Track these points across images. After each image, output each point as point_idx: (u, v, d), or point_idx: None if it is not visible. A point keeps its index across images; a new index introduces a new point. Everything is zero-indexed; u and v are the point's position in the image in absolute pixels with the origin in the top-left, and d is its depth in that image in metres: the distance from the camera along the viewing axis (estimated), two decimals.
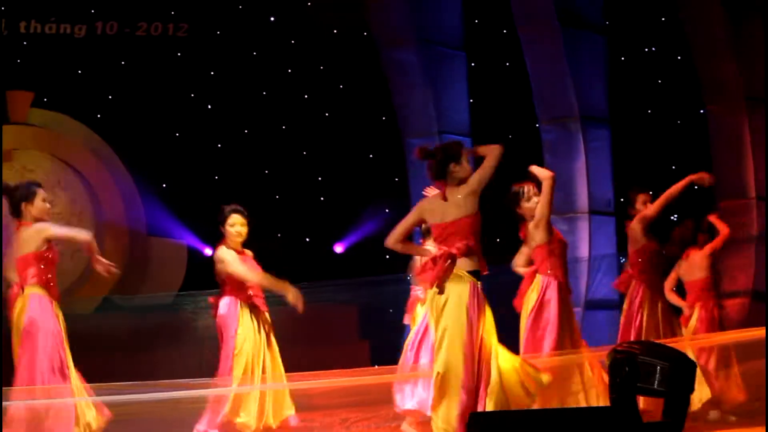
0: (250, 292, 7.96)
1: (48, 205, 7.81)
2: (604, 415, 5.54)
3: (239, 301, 7.88)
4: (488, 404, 6.92)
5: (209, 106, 13.41)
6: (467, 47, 13.37)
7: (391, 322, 9.95)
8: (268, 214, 11.12)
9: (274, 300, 8.65)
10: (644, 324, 9.01)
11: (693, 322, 9.44)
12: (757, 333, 9.18)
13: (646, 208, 9.16)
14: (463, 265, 6.55)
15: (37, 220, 7.71)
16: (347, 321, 11.84)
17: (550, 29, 12.54)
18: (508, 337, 7.89)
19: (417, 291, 9.09)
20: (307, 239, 10.76)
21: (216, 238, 7.89)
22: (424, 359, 8.64)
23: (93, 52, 13.11)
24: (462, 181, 6.74)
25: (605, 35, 12.62)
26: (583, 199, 12.38)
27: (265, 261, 9.54)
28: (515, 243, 8.36)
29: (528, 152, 12.88)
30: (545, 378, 7.18)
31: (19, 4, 12.86)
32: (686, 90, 12.30)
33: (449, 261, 6.56)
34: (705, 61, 12.08)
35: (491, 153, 7.04)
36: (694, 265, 9.45)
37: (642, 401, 8.96)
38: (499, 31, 13.27)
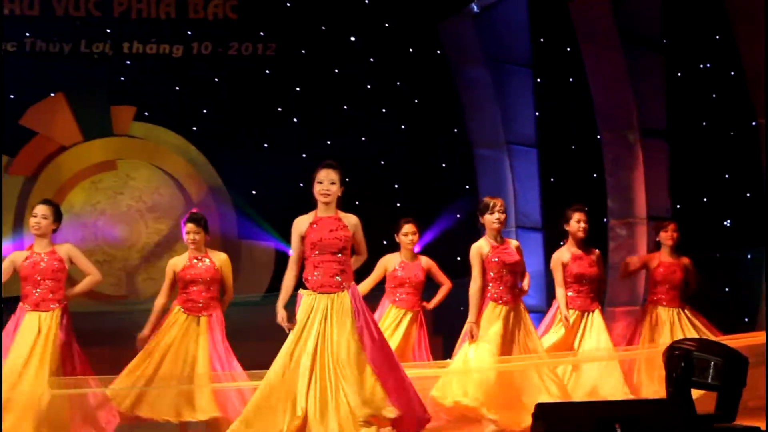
0: None
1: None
2: (661, 407, 5.48)
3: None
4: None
5: (295, 120, 13.40)
6: (533, 64, 13.30)
7: (461, 319, 9.88)
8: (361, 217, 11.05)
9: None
10: None
11: None
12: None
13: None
14: None
15: None
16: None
17: (612, 47, 12.36)
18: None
19: None
20: (384, 242, 10.69)
21: None
22: None
23: (189, 71, 13.23)
24: None
25: (663, 53, 12.44)
26: (641, 206, 12.20)
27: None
28: None
29: (589, 161, 12.86)
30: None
31: (123, 27, 13.01)
32: (738, 104, 12.09)
33: None
34: (755, 77, 11.88)
35: None
36: None
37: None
38: (563, 49, 13.11)
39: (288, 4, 13.29)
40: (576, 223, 9.08)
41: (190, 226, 8.92)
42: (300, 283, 7.28)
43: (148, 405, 8.82)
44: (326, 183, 7.26)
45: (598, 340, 9.03)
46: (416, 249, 12.50)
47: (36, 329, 8.41)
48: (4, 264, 8.43)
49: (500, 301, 8.63)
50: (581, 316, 9.12)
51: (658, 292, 9.61)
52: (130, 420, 8.93)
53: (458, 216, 13.05)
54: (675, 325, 9.47)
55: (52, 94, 13.06)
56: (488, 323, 8.58)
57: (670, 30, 12.61)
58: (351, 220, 7.33)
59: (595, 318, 9.12)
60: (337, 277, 7.26)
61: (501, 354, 8.52)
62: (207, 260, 8.94)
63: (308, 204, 7.54)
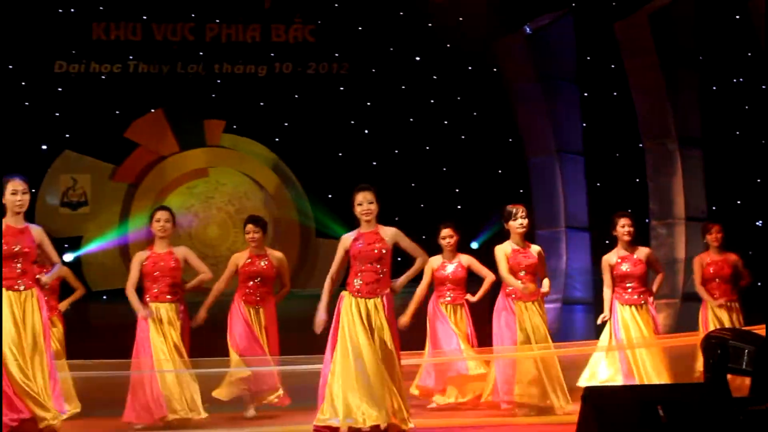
0: None
1: (15, 198, 7.21)
2: (699, 391, 5.44)
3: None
4: None
5: (366, 131, 13.44)
6: (580, 80, 13.22)
7: None
8: (414, 220, 11.12)
9: None
10: None
11: None
12: None
13: None
14: None
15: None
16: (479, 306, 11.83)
17: (652, 64, 12.43)
18: None
19: None
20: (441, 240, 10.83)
21: None
22: None
23: (272, 88, 13.28)
24: None
25: (699, 68, 12.51)
26: (680, 208, 12.26)
27: (410, 261, 9.91)
28: None
29: (632, 168, 12.92)
30: None
31: (214, 51, 13.14)
32: None
33: None
34: None
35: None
36: None
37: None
38: (607, 66, 13.12)
39: (360, 29, 13.30)
40: (621, 228, 9.10)
41: (250, 226, 9.27)
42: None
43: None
44: (365, 204, 7.41)
45: (644, 331, 9.14)
46: (474, 246, 12.66)
47: (159, 319, 8.66)
48: (133, 263, 8.67)
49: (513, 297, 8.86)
50: (633, 311, 9.23)
51: (712, 287, 9.79)
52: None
53: None
54: (725, 316, 9.70)
55: (152, 110, 13.19)
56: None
57: (705, 47, 12.65)
58: (389, 232, 7.47)
59: (644, 312, 9.21)
60: (374, 285, 7.40)
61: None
62: (266, 260, 9.28)
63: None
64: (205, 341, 9.17)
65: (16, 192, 7.21)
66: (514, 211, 8.84)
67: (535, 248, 8.99)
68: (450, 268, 9.73)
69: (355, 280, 7.43)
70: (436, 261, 9.70)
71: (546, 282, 9.04)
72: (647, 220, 12.35)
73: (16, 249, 7.20)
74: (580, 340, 11.11)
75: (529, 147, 13.33)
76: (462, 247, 9.97)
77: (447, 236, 9.75)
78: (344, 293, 7.44)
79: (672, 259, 12.00)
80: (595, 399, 5.28)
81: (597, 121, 13.29)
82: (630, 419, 5.13)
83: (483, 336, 9.57)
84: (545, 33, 13.10)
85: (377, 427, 7.13)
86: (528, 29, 13.11)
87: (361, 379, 7.18)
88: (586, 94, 13.30)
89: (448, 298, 9.71)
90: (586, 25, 12.97)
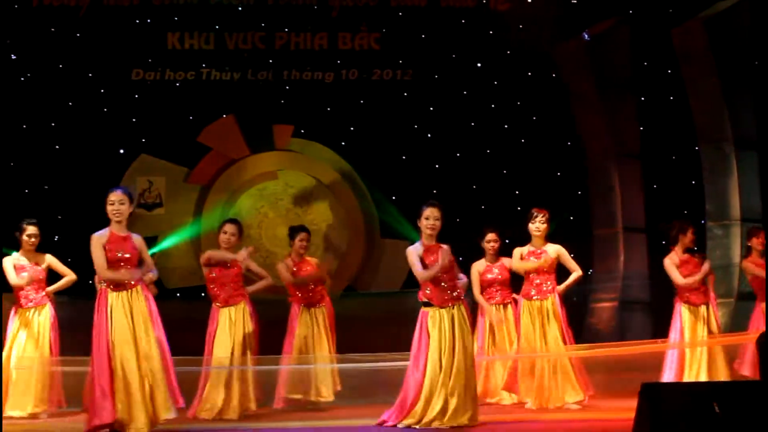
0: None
1: (113, 207, 7.61)
2: (755, 388, 5.56)
3: None
4: None
5: (429, 135, 13.47)
6: (637, 85, 13.22)
7: (572, 307, 10.06)
8: (475, 221, 11.14)
9: None
10: None
11: None
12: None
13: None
14: None
15: None
16: None
17: (708, 69, 12.36)
18: None
19: None
20: (507, 240, 10.87)
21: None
22: None
23: (339, 93, 13.31)
24: None
25: (753, 73, 12.37)
26: (735, 209, 12.16)
27: (472, 259, 9.99)
28: None
29: (688, 170, 12.84)
30: None
31: (283, 58, 13.19)
32: None
33: None
34: None
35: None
36: None
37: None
38: (664, 71, 13.06)
39: (423, 37, 13.31)
40: (692, 235, 9.31)
41: (303, 234, 9.85)
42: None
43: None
44: (432, 219, 7.83)
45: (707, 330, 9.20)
46: None
47: (229, 321, 9.00)
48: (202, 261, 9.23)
49: (530, 298, 9.13)
50: (697, 310, 9.26)
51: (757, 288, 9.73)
52: None
53: (571, 218, 13.00)
54: None
55: (224, 116, 13.27)
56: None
57: (760, 53, 12.52)
58: (444, 246, 7.84)
59: (704, 310, 9.28)
60: (456, 292, 7.81)
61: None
62: (309, 264, 9.85)
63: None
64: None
65: (112, 203, 7.64)
66: (535, 214, 9.26)
67: (552, 248, 9.29)
68: (496, 271, 9.84)
69: (437, 292, 7.59)
70: (480, 265, 9.89)
71: (574, 275, 9.32)
72: (703, 221, 12.23)
73: (120, 255, 7.59)
74: (635, 340, 11.07)
75: (587, 150, 13.36)
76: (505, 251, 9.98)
77: (492, 240, 9.93)
78: (427, 308, 7.78)
79: (728, 259, 11.88)
80: (652, 395, 5.39)
81: (654, 124, 13.22)
82: (686, 415, 5.22)
83: None
84: (603, 39, 13.07)
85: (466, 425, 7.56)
86: (586, 36, 13.12)
87: (452, 382, 7.57)
88: (642, 99, 13.32)
89: (497, 299, 9.82)
90: (643, 31, 12.95)
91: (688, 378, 8.93)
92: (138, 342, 7.45)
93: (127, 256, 7.61)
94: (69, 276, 9.60)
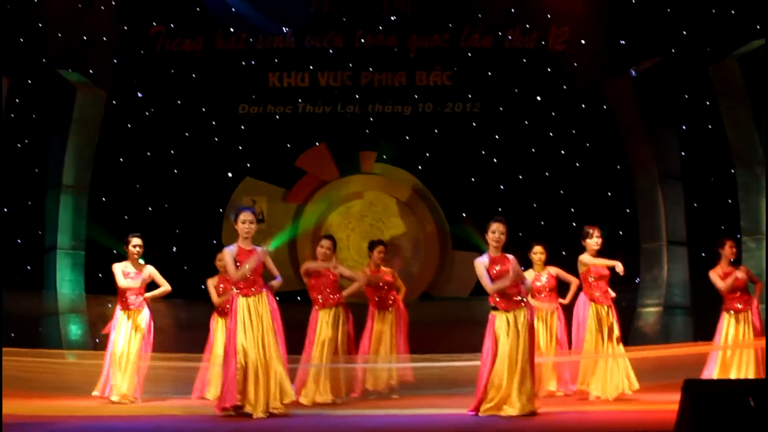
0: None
1: (245, 226, 7.86)
2: None
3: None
4: None
5: (495, 160, 13.51)
6: (679, 115, 13.11)
7: (621, 312, 10.09)
8: (535, 236, 10.92)
9: None
10: None
11: None
12: None
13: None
14: None
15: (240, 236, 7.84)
16: None
17: (741, 100, 12.35)
18: None
19: None
20: (563, 253, 10.93)
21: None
22: None
23: (416, 124, 13.41)
24: None
25: None
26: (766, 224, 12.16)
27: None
28: None
29: (725, 190, 12.74)
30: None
31: (367, 93, 13.38)
32: None
33: None
34: None
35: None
36: None
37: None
38: (703, 103, 13.00)
39: (489, 74, 13.39)
40: (729, 249, 9.58)
41: (380, 247, 10.16)
42: None
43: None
44: (498, 233, 7.86)
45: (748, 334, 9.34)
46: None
47: (326, 322, 9.36)
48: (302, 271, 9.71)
49: (595, 301, 9.26)
50: (739, 316, 9.43)
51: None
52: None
53: (621, 233, 12.92)
54: None
55: (317, 144, 13.44)
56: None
57: None
58: (510, 256, 7.92)
59: (746, 315, 9.43)
60: (518, 297, 7.85)
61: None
62: (386, 275, 10.09)
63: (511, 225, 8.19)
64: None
65: (245, 221, 7.94)
66: (590, 231, 9.37)
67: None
68: (544, 279, 10.03)
69: (503, 297, 7.75)
70: (529, 274, 9.91)
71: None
72: (738, 236, 12.19)
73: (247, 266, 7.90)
74: (678, 342, 11.09)
75: (635, 173, 13.27)
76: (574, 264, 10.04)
77: (539, 252, 10.13)
78: (495, 312, 7.85)
79: (761, 269, 11.83)
80: (693, 391, 5.42)
81: (694, 150, 13.08)
82: (724, 409, 5.21)
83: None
84: (648, 75, 13.02)
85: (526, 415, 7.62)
86: (633, 72, 13.08)
87: (516, 377, 7.66)
88: (684, 127, 13.16)
89: (546, 305, 10.02)
90: (684, 68, 12.92)
91: (735, 376, 9.00)
92: (261, 340, 7.78)
93: (253, 266, 7.93)
94: (165, 287, 9.67)
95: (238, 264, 7.89)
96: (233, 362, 7.75)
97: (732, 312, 9.48)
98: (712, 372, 9.23)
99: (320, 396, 9.22)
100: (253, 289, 7.95)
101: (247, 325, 7.78)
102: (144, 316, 9.47)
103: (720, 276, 9.49)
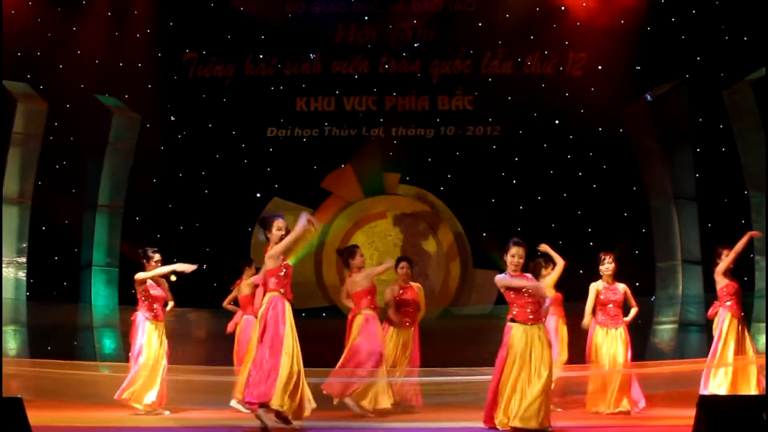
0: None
1: (281, 233, 7.67)
2: None
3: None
4: None
5: (514, 181, 13.42)
6: (693, 138, 13.04)
7: (637, 329, 10.01)
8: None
9: None
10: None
11: None
12: None
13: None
14: None
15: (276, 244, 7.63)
16: None
17: (754, 123, 12.33)
18: None
19: None
20: (581, 271, 10.80)
21: None
22: None
23: (438, 147, 13.43)
24: None
25: None
26: None
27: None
28: None
29: (739, 211, 12.65)
30: None
31: (391, 117, 13.36)
32: None
33: None
34: None
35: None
36: None
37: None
38: (717, 126, 12.95)
39: (509, 98, 13.36)
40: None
41: (404, 263, 10.07)
42: None
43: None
44: (517, 257, 7.78)
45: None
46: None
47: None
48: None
49: (603, 325, 9.29)
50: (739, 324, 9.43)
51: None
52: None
53: (636, 252, 12.88)
54: None
55: (343, 166, 13.48)
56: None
57: None
58: (528, 275, 7.92)
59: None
60: (538, 313, 7.79)
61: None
62: (411, 290, 9.97)
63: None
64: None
65: (280, 228, 7.76)
66: (603, 258, 9.45)
67: (621, 286, 9.48)
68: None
69: (523, 311, 7.69)
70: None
71: (633, 311, 9.53)
72: (752, 255, 12.08)
73: (282, 273, 7.77)
74: (693, 358, 10.99)
75: (650, 194, 13.22)
76: (593, 275, 9.90)
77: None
78: (512, 324, 7.77)
79: None
80: (708, 406, 5.38)
81: (708, 172, 13.03)
82: (740, 425, 5.19)
83: None
84: (663, 99, 13.04)
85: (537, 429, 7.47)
86: (649, 97, 13.10)
87: (528, 389, 7.55)
88: (698, 150, 13.11)
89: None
90: (698, 92, 12.92)
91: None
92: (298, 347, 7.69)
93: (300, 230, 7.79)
94: (170, 302, 9.79)
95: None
96: (278, 361, 7.53)
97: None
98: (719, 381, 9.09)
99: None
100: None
101: (293, 331, 7.68)
102: (163, 327, 9.56)
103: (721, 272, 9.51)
